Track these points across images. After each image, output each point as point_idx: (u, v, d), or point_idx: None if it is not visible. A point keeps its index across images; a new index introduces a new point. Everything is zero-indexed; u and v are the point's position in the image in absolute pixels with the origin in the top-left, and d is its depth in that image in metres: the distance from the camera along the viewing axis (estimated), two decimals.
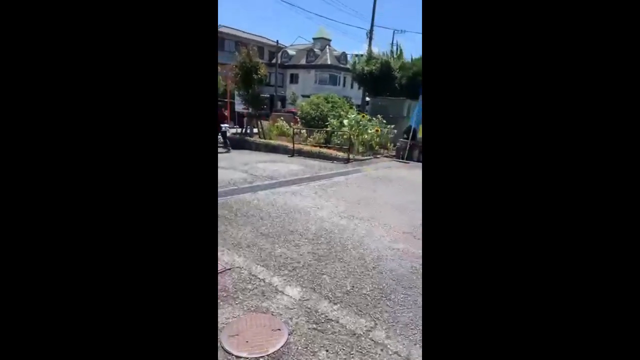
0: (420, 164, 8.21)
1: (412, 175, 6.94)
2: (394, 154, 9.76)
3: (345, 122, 9.57)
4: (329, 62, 31.51)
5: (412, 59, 19.59)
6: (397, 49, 17.48)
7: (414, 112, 9.65)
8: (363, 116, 9.81)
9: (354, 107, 12.26)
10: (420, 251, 2.97)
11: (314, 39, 33.93)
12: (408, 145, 9.12)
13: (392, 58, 16.59)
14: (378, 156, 9.42)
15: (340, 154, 8.55)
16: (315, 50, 32.82)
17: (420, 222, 3.88)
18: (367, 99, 18.93)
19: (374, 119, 10.13)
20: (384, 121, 10.13)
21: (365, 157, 8.83)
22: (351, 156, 8.46)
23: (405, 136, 9.59)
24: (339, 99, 11.47)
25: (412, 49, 67.66)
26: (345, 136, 9.15)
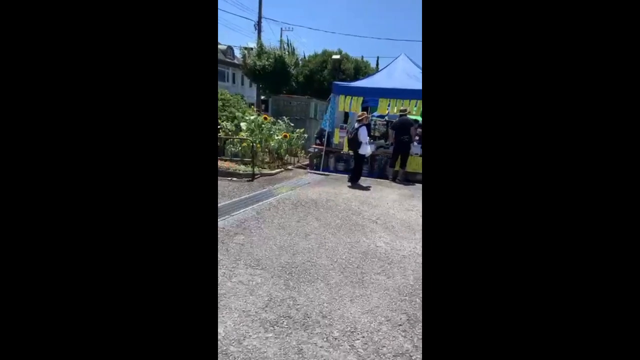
0: (343, 176, 6.76)
1: (339, 193, 5.37)
2: (306, 162, 8.13)
3: (244, 125, 7.46)
4: None
5: (305, 56, 18.46)
6: (288, 44, 16.07)
7: (326, 114, 8.19)
8: (265, 118, 7.86)
9: (252, 106, 10.23)
10: None
11: None
12: (323, 153, 7.60)
13: (286, 53, 15.06)
14: (289, 167, 7.61)
15: (242, 168, 6.45)
16: None
17: (399, 308, 2.24)
18: (262, 97, 17.03)
19: (279, 121, 8.30)
20: (292, 124, 8.40)
21: (275, 171, 6.91)
22: (257, 170, 6.46)
23: (318, 141, 8.03)
24: (232, 96, 9.23)
25: (300, 46, 68.41)
26: (245, 144, 7.06)
